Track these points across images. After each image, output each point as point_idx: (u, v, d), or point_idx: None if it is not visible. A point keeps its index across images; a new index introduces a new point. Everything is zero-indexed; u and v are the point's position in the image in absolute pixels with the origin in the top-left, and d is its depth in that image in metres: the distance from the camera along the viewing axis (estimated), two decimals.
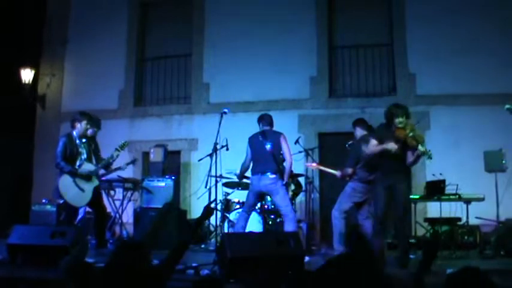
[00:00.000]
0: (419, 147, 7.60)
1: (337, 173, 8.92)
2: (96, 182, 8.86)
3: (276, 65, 12.79)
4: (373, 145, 7.82)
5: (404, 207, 7.72)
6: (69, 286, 3.94)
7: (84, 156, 8.83)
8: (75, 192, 8.59)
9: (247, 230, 8.71)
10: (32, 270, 6.12)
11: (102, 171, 9.30)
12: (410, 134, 7.68)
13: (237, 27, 13.20)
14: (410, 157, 7.78)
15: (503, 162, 9.74)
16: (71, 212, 8.74)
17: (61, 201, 8.75)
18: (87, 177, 8.72)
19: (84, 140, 8.93)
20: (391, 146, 7.62)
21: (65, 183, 8.58)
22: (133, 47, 14.11)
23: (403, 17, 12.52)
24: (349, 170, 8.46)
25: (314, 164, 10.23)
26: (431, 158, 7.71)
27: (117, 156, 9.06)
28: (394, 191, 7.62)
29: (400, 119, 7.78)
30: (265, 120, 8.84)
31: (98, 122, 9.62)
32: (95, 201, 8.85)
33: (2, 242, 7.21)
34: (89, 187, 8.70)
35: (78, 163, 8.71)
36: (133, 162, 10.42)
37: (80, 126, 8.88)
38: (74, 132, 8.87)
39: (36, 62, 14.58)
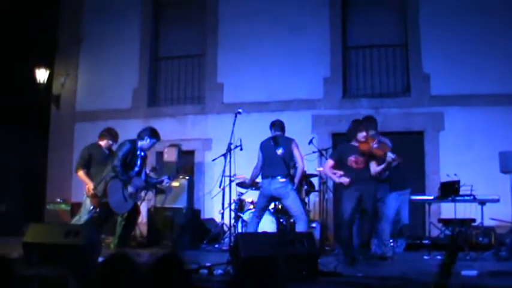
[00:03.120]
0: (389, 154, 7.83)
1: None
2: (140, 197, 8.96)
3: (289, 65, 12.80)
4: (327, 166, 8.41)
5: (372, 211, 8.10)
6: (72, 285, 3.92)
7: (137, 169, 8.87)
8: (119, 199, 8.62)
9: (260, 231, 8.75)
10: (47, 269, 6.14)
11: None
12: (375, 146, 7.87)
13: (250, 27, 13.19)
14: (373, 167, 8.06)
15: None
16: (106, 214, 8.78)
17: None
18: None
19: (143, 154, 8.98)
20: (343, 180, 8.03)
21: (114, 186, 8.60)
22: (147, 46, 14.14)
23: (417, 17, 12.46)
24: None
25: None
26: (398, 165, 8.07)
27: (168, 185, 9.25)
28: (363, 199, 7.97)
29: (363, 133, 8.10)
30: (277, 126, 8.91)
31: (116, 135, 9.72)
32: (132, 210, 8.94)
33: (18, 240, 7.24)
34: (132, 199, 8.77)
35: (130, 173, 8.78)
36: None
37: (148, 143, 8.94)
38: (139, 143, 8.91)
39: (50, 61, 14.66)
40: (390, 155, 7.79)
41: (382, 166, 7.95)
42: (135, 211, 8.98)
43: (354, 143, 8.15)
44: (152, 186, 9.48)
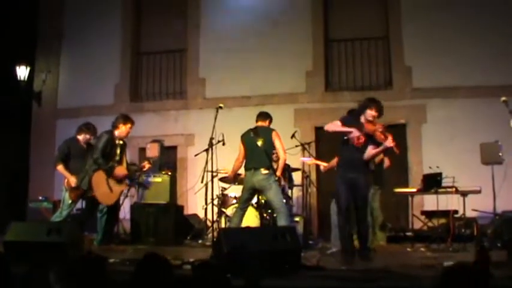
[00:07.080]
0: (390, 140, 7.41)
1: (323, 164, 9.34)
2: (123, 186, 8.93)
3: (271, 59, 12.80)
4: (335, 124, 7.66)
5: (364, 198, 7.64)
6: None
7: (118, 158, 8.87)
8: (104, 190, 8.64)
9: (243, 225, 8.72)
10: (29, 267, 6.10)
11: None
12: (380, 130, 7.52)
13: (232, 21, 13.19)
14: (369, 150, 7.60)
15: (500, 154, 9.71)
16: (92, 207, 8.76)
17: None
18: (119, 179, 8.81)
19: (121, 142, 8.96)
20: (354, 133, 7.49)
21: (98, 178, 8.62)
22: (128, 42, 14.09)
23: (398, 10, 12.50)
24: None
25: (311, 160, 10.28)
26: (398, 153, 7.64)
27: (147, 170, 9.27)
28: (354, 185, 7.51)
29: (372, 112, 7.55)
30: (260, 116, 8.89)
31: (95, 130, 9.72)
32: (114, 203, 8.92)
33: (0, 239, 7.19)
34: (117, 189, 8.75)
35: (111, 164, 8.77)
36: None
37: (124, 130, 8.99)
38: (116, 132, 8.93)
39: (31, 58, 14.55)
40: (390, 142, 7.39)
41: (379, 149, 7.54)
42: (116, 205, 8.99)
43: (362, 120, 7.61)
44: (133, 175, 9.51)
